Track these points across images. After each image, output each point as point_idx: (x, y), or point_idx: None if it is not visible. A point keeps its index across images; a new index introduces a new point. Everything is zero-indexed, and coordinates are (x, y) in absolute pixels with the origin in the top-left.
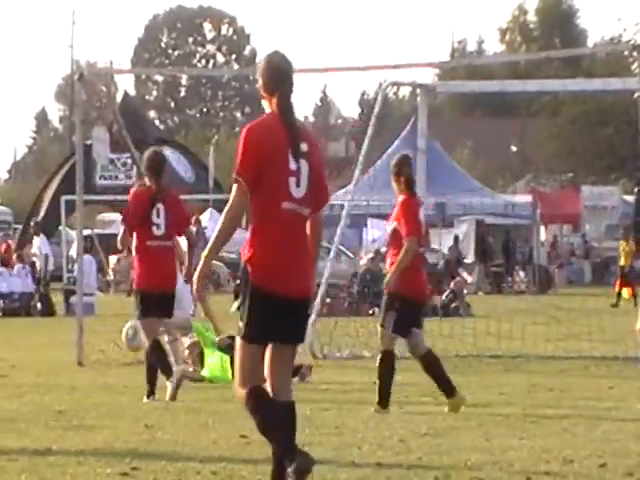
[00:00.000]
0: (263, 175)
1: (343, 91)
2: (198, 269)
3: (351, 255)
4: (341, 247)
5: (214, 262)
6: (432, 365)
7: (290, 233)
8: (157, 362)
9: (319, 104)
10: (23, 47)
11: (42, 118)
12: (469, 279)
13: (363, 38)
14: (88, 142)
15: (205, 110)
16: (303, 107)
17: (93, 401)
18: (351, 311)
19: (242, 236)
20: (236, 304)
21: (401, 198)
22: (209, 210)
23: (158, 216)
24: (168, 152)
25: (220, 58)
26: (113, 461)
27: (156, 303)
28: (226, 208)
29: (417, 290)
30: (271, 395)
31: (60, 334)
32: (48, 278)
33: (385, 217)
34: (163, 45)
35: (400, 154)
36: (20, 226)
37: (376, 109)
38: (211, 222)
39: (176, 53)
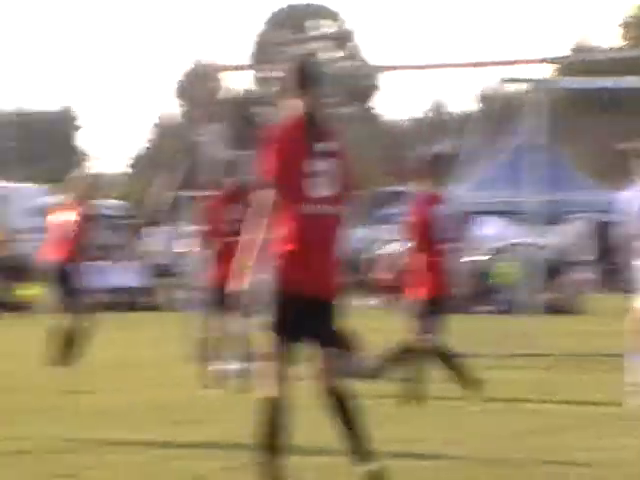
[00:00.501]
0: (286, 177)
1: (459, 87)
2: (245, 277)
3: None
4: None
5: None
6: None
7: (312, 234)
8: None
9: (434, 101)
10: (144, 45)
11: (163, 113)
12: (584, 277)
13: (479, 34)
14: (205, 139)
15: None
16: (419, 104)
17: (204, 395)
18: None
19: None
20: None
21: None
22: None
23: None
24: None
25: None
26: (224, 455)
27: None
28: (255, 213)
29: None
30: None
31: (167, 329)
32: (160, 271)
33: (498, 214)
34: (276, 42)
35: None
36: (135, 221)
37: (493, 106)
38: None
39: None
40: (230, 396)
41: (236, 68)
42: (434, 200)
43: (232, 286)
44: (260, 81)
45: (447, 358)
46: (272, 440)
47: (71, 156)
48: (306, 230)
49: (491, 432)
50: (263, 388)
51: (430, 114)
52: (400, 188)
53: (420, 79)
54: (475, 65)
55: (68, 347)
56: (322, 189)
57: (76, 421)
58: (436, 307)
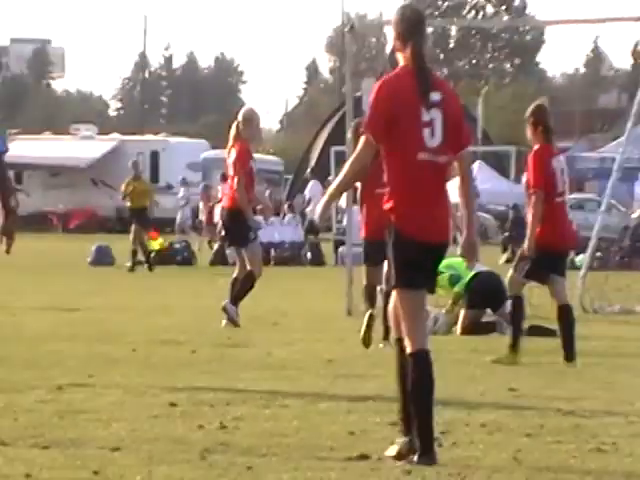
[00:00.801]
0: (396, 128)
1: (616, 42)
2: (321, 206)
3: (622, 209)
4: (612, 200)
5: (482, 214)
6: (564, 320)
7: (427, 182)
8: None
9: (591, 55)
10: (295, 0)
11: (313, 69)
12: None
13: None
14: (357, 94)
15: (474, 62)
16: (575, 58)
17: (362, 350)
18: (623, 265)
19: (512, 189)
20: (505, 256)
21: (535, 147)
22: (477, 162)
23: None
24: None
25: (490, 9)
26: (383, 410)
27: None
28: (351, 159)
29: (554, 239)
30: (409, 345)
31: (329, 284)
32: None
33: None
34: None
35: (535, 103)
36: (291, 176)
37: None
38: (480, 173)
39: (446, 4)
40: (392, 352)
41: (390, 23)
42: (553, 153)
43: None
44: None
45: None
46: (424, 394)
47: (235, 111)
48: (419, 179)
49: None
50: (412, 342)
51: (586, 69)
52: (563, 144)
53: (577, 34)
54: (633, 19)
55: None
56: (435, 138)
57: (236, 373)
58: (551, 258)
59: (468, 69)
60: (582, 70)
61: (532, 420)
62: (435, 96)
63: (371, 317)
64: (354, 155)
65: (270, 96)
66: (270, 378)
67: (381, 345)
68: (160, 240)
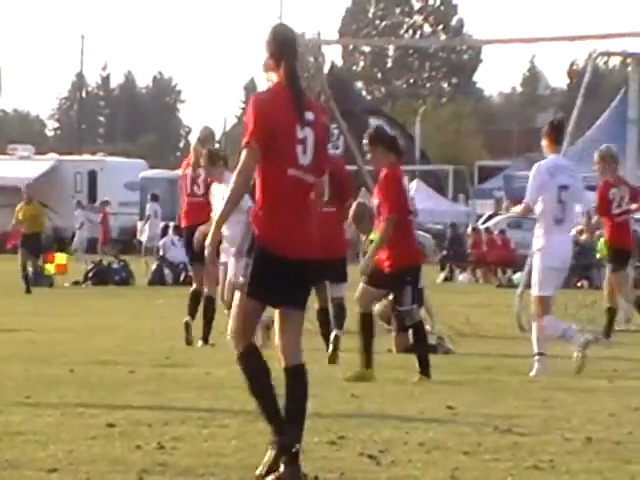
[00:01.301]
0: (272, 142)
1: (552, 61)
2: (211, 234)
3: None
4: None
5: (420, 233)
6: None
7: (295, 198)
8: None
9: (527, 74)
10: (233, 19)
11: (251, 89)
12: None
13: (572, 7)
14: None
15: (412, 81)
16: (511, 77)
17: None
18: None
19: (450, 208)
20: (443, 275)
21: (385, 171)
22: (415, 181)
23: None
24: (374, 123)
25: (427, 29)
26: (321, 429)
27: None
28: (236, 171)
29: (412, 255)
30: (282, 360)
31: None
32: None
33: (593, 189)
34: (370, 16)
35: (372, 127)
36: None
37: (585, 79)
38: (417, 192)
39: (383, 24)
40: (331, 371)
41: (327, 42)
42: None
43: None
44: (350, 54)
45: None
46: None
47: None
48: (287, 194)
49: (591, 408)
50: (234, 339)
51: (523, 88)
52: (500, 163)
53: (514, 53)
54: (569, 39)
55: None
56: (306, 157)
57: (174, 393)
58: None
59: (406, 88)
60: (519, 89)
61: (470, 438)
62: (309, 115)
63: (336, 338)
64: (239, 168)
65: (208, 115)
66: (209, 398)
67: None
68: (60, 262)
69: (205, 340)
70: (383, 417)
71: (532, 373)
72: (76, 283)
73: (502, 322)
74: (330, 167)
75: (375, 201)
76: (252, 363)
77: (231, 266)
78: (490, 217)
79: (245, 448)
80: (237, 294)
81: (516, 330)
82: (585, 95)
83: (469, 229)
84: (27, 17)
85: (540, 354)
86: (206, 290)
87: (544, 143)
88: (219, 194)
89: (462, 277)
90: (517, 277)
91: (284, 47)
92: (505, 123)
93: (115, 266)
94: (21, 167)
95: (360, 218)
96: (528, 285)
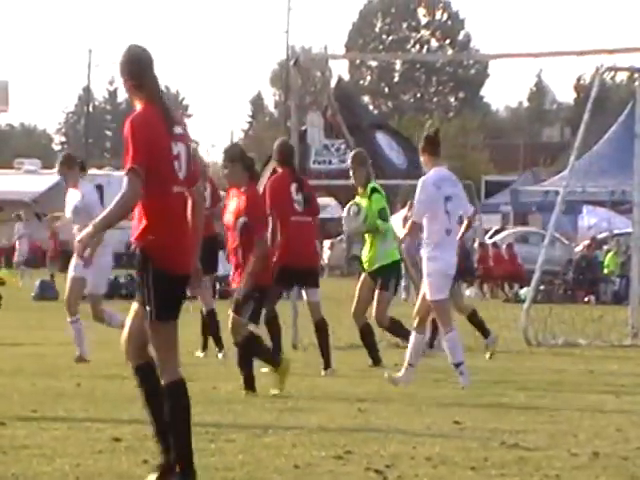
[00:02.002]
0: (154, 163)
1: (559, 76)
2: (83, 233)
3: (566, 241)
4: (556, 234)
5: None
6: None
7: (182, 214)
8: None
9: (534, 89)
10: (240, 33)
11: (258, 103)
12: None
13: (579, 21)
14: (303, 128)
15: (419, 95)
16: (518, 92)
17: (307, 384)
18: (566, 298)
19: None
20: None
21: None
22: None
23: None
24: (381, 137)
25: (434, 43)
26: (327, 444)
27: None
28: (124, 198)
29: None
30: (161, 376)
31: None
32: None
33: (601, 204)
34: (377, 30)
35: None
36: None
37: (592, 94)
38: None
39: (390, 38)
40: (338, 385)
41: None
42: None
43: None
44: (356, 68)
45: None
46: (180, 423)
47: None
48: (175, 211)
49: (598, 423)
50: (167, 373)
51: (529, 102)
52: (507, 178)
53: (520, 67)
54: (576, 54)
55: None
56: (182, 171)
57: None
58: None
59: (413, 103)
60: (526, 104)
61: (476, 453)
62: (178, 129)
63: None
64: (124, 192)
65: (215, 130)
66: (215, 412)
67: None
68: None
69: (219, 350)
70: (389, 432)
71: (396, 375)
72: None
73: (509, 337)
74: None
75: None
76: (175, 396)
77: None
78: (497, 232)
79: (252, 462)
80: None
81: (523, 345)
82: (592, 110)
83: (476, 244)
84: (34, 31)
85: (410, 365)
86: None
87: (423, 159)
88: (72, 199)
89: (469, 292)
90: (524, 292)
91: (143, 66)
92: (512, 138)
93: (122, 280)
94: (28, 181)
95: None
96: (535, 300)
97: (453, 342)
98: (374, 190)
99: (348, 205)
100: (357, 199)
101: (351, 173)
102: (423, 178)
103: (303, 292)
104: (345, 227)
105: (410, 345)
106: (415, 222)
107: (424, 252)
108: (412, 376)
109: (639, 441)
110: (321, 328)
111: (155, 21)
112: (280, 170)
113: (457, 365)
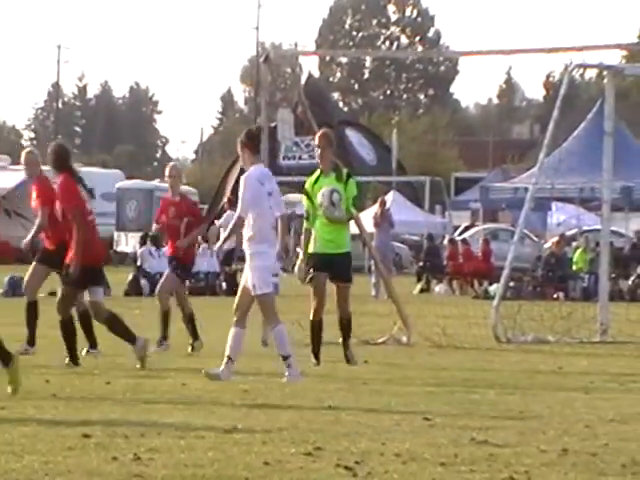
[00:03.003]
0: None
1: (528, 73)
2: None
3: (535, 238)
4: (525, 230)
5: (396, 244)
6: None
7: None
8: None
9: (504, 86)
10: (210, 29)
11: (228, 99)
12: None
13: (549, 19)
14: (273, 124)
15: (389, 92)
16: (488, 89)
17: (277, 381)
18: (536, 295)
19: (427, 219)
20: (419, 286)
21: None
22: (391, 193)
23: None
24: (351, 134)
25: (404, 40)
26: (297, 440)
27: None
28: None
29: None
30: None
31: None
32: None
33: (570, 201)
34: (347, 27)
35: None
36: (206, 206)
37: (562, 91)
38: (394, 203)
39: (360, 35)
40: (307, 382)
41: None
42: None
43: None
44: (326, 65)
45: None
46: None
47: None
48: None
49: (567, 420)
50: None
51: (499, 99)
52: (476, 175)
53: (490, 64)
54: (545, 51)
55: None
56: None
57: (150, 404)
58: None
59: (382, 100)
60: (495, 101)
61: (446, 449)
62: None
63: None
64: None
65: (185, 126)
66: (185, 409)
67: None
68: None
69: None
70: (359, 428)
71: (212, 371)
72: (52, 294)
73: (478, 333)
74: None
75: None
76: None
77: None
78: (467, 228)
79: (222, 459)
80: None
81: (492, 341)
82: (561, 107)
83: (445, 240)
84: (2, 27)
85: (230, 358)
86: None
87: (244, 155)
88: None
89: (438, 288)
90: (493, 289)
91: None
92: (481, 135)
93: None
94: None
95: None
96: (504, 297)
97: (281, 335)
98: (350, 176)
99: (326, 191)
100: (332, 185)
101: (317, 153)
102: (246, 175)
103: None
104: (329, 215)
105: (230, 339)
106: (241, 218)
107: (249, 247)
108: (232, 370)
109: (608, 437)
110: (85, 321)
111: (125, 17)
112: (65, 175)
113: (285, 358)
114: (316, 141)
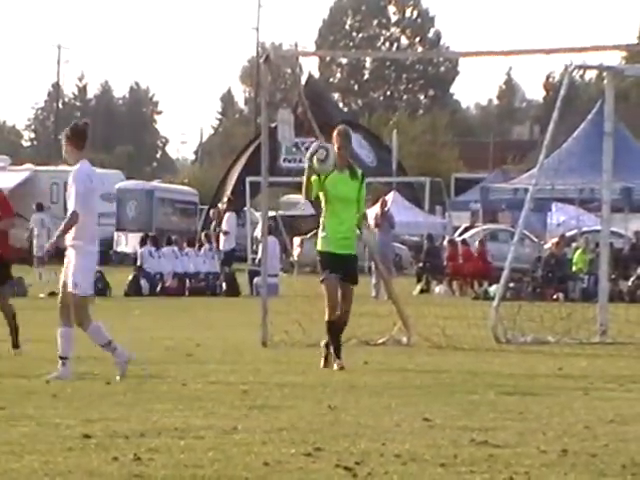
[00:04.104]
0: None
1: (528, 74)
2: None
3: (535, 239)
4: (525, 231)
5: (396, 245)
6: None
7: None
8: None
9: (504, 87)
10: (210, 30)
11: (228, 100)
12: None
13: (549, 20)
14: (273, 124)
15: (389, 93)
16: (488, 90)
17: (277, 381)
18: (535, 295)
19: (427, 220)
20: (419, 287)
21: None
22: (392, 193)
23: None
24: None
25: (404, 41)
26: (297, 441)
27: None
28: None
29: None
30: None
31: (244, 314)
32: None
33: (570, 202)
34: (347, 27)
35: None
36: (206, 207)
37: (562, 92)
38: (394, 204)
39: (360, 35)
40: (307, 382)
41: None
42: None
43: None
44: (327, 66)
45: None
46: None
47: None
48: None
49: (566, 421)
50: None
51: (499, 100)
52: (476, 175)
53: (490, 65)
54: (545, 52)
55: None
56: None
57: (151, 405)
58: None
59: (382, 100)
60: (495, 102)
61: (446, 450)
62: None
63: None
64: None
65: (185, 126)
66: (185, 409)
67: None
68: None
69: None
70: (359, 429)
71: (51, 376)
72: (52, 294)
73: (478, 334)
74: None
75: None
76: None
77: None
78: (466, 229)
79: (222, 459)
80: None
81: (492, 342)
82: (561, 108)
83: (445, 241)
84: (3, 27)
85: (64, 358)
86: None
87: (68, 150)
88: None
89: (438, 289)
90: (493, 289)
91: None
92: (482, 135)
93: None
94: None
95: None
96: (504, 297)
97: (67, 337)
98: (364, 177)
99: (314, 147)
100: (328, 146)
101: (336, 149)
102: (77, 169)
103: None
104: (317, 168)
105: (60, 339)
106: (76, 213)
107: (77, 244)
108: (70, 369)
109: (607, 438)
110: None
111: (125, 17)
112: None
113: (63, 358)
114: (334, 138)
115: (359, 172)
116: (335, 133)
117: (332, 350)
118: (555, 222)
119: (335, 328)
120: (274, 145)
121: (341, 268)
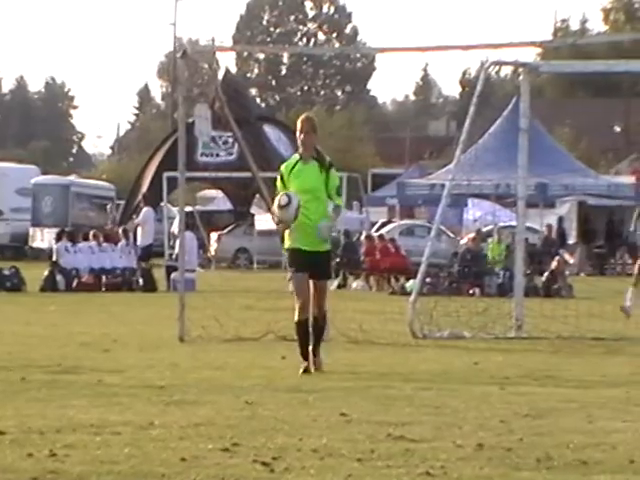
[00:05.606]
0: None
1: (445, 70)
2: None
3: (452, 235)
4: (441, 227)
5: None
6: None
7: None
8: None
9: (420, 83)
10: (127, 24)
11: (145, 95)
12: (571, 260)
13: (465, 16)
14: (190, 120)
15: (306, 88)
16: (405, 86)
17: (194, 377)
18: (452, 290)
19: (344, 215)
20: (336, 282)
21: None
22: None
23: None
24: (269, 130)
25: (321, 36)
26: (214, 436)
27: None
28: None
29: None
30: None
31: (161, 310)
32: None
33: (486, 197)
34: (265, 23)
35: None
36: (123, 202)
37: (478, 88)
38: None
39: (277, 31)
40: (225, 378)
41: (222, 48)
42: None
43: None
44: (244, 61)
45: None
46: None
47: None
48: None
49: (482, 415)
50: None
51: (416, 96)
52: (393, 171)
53: (407, 61)
54: (461, 48)
55: None
56: None
57: (66, 400)
58: None
59: (300, 96)
60: (412, 97)
61: (363, 445)
62: None
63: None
64: None
65: (102, 121)
66: (101, 405)
67: None
68: None
69: None
70: (276, 424)
71: None
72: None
73: (395, 329)
74: None
75: None
76: None
77: None
78: (383, 225)
79: (138, 455)
80: None
81: (409, 337)
82: (477, 104)
83: (363, 236)
84: None
85: None
86: None
87: None
88: None
89: (355, 284)
90: (410, 285)
91: None
92: (398, 131)
93: (6, 272)
94: None
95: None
96: (421, 292)
97: None
98: (331, 165)
99: (279, 195)
100: (292, 194)
101: (301, 138)
102: None
103: None
104: (281, 218)
105: None
106: None
107: None
108: None
109: (523, 432)
110: None
111: (41, 11)
112: None
113: None
114: (298, 125)
115: (327, 160)
116: (300, 119)
117: (310, 349)
118: (471, 217)
119: (315, 326)
120: (191, 140)
121: (310, 266)
